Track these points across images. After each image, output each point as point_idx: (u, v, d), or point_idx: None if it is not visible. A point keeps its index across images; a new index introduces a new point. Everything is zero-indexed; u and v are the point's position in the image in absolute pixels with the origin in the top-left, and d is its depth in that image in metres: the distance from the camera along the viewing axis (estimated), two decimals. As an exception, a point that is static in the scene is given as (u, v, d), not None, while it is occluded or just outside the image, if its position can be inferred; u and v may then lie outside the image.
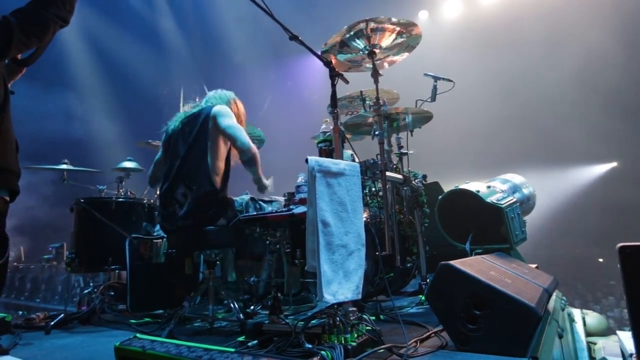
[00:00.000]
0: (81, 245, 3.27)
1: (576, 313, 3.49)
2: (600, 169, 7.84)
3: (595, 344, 3.38)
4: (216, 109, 2.56)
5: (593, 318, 3.98)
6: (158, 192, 3.35)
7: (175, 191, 2.48)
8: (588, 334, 3.57)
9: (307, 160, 1.66)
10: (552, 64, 7.27)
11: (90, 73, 8.31)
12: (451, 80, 3.06)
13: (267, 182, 2.62)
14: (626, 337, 2.22)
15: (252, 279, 2.83)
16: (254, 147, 2.52)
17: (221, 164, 2.53)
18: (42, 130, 6.72)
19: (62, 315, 2.84)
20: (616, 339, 3.03)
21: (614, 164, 7.81)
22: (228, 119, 2.53)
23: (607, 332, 3.86)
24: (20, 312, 5.01)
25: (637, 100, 6.72)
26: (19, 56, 1.68)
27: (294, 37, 2.00)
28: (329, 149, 2.62)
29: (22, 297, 5.83)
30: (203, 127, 2.51)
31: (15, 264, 6.43)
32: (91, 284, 3.53)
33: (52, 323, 2.69)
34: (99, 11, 8.00)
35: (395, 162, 3.04)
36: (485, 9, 7.97)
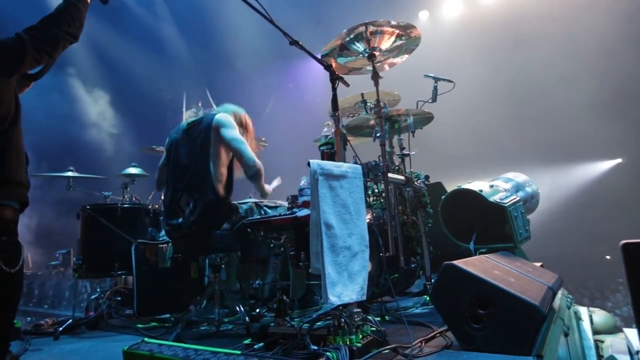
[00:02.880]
0: (88, 251, 3.30)
1: (583, 311, 3.48)
2: (605, 166, 7.80)
3: (602, 341, 3.36)
4: (219, 117, 2.56)
5: (600, 316, 3.95)
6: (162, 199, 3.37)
7: (179, 200, 2.50)
8: (595, 331, 3.55)
9: (309, 164, 1.68)
10: (554, 61, 7.24)
11: (93, 80, 8.39)
12: (451, 81, 3.07)
13: (268, 187, 2.65)
14: (633, 335, 2.21)
15: (258, 282, 2.84)
16: (258, 162, 2.51)
17: (224, 172, 2.53)
18: (47, 137, 6.78)
19: (70, 320, 2.87)
20: (624, 337, 3.01)
21: (619, 160, 7.77)
22: (231, 131, 2.51)
23: (614, 329, 3.83)
24: (29, 319, 5.06)
25: (641, 95, 6.69)
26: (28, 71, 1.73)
27: (294, 42, 2.02)
28: (330, 151, 2.63)
29: (30, 303, 5.89)
30: (205, 135, 2.51)
31: (23, 270, 6.48)
32: (98, 290, 3.57)
33: (61, 329, 2.72)
34: (101, 19, 8.07)
35: (397, 164, 3.05)
36: (485, 8, 7.95)
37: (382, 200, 2.92)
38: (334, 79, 2.05)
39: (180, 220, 2.47)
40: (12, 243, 1.52)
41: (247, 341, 1.99)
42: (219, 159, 2.51)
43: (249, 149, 2.51)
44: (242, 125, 2.71)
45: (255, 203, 2.72)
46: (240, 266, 2.98)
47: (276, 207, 2.80)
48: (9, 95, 1.52)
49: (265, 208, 2.72)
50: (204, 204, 2.41)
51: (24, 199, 1.56)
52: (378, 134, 2.72)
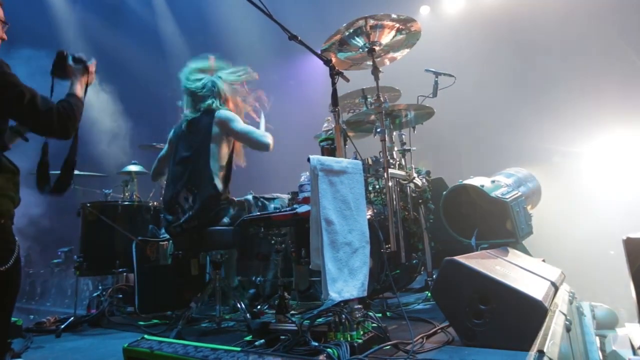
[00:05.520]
0: (89, 249, 3.30)
1: (585, 306, 3.46)
2: (608, 160, 7.74)
3: (605, 336, 3.35)
4: (222, 113, 2.58)
5: (603, 311, 3.95)
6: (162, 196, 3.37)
7: (179, 195, 2.49)
8: (598, 326, 3.54)
9: (309, 159, 1.67)
10: (558, 55, 7.18)
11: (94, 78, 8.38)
12: (452, 76, 3.05)
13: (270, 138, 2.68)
14: (635, 329, 2.20)
15: (259, 278, 2.84)
16: (269, 139, 2.60)
17: (224, 167, 2.55)
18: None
19: (72, 318, 2.88)
20: (626, 332, 3.00)
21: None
22: (239, 123, 2.60)
23: (617, 324, 3.83)
24: (31, 316, 5.08)
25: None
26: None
27: (293, 37, 2.00)
28: (331, 147, 2.62)
29: (32, 301, 5.92)
30: (207, 131, 2.52)
31: (26, 268, 6.52)
32: (100, 287, 3.57)
33: (62, 326, 2.72)
34: (101, 16, 8.04)
35: (398, 159, 3.03)
36: (487, 1, 7.89)
37: (383, 196, 2.91)
38: (334, 74, 2.03)
39: (179, 215, 2.47)
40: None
41: (248, 338, 1.99)
42: (220, 154, 2.53)
43: (258, 134, 2.60)
44: (226, 94, 2.74)
45: (253, 196, 2.72)
46: (239, 262, 2.98)
47: (273, 198, 2.80)
48: None
49: (262, 200, 2.73)
50: (203, 198, 2.42)
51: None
52: (379, 130, 2.70)
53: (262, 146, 2.57)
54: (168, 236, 3.23)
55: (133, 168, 4.14)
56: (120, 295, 3.22)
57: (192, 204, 2.44)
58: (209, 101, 2.66)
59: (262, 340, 1.83)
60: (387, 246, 2.41)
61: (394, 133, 3.13)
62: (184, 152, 2.58)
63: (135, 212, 3.48)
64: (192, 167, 2.51)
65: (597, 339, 3.11)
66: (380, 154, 2.66)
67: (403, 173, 2.79)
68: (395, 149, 3.08)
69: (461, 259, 1.65)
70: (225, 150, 2.56)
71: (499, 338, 1.48)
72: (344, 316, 1.59)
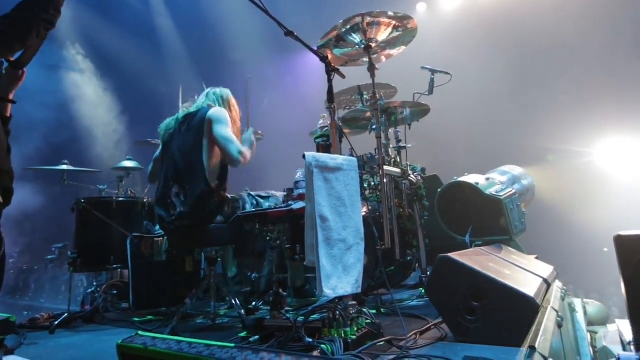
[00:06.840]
0: (83, 245, 3.29)
1: (577, 303, 3.50)
2: (602, 156, 7.80)
3: (596, 333, 3.39)
4: (213, 112, 2.54)
5: (594, 307, 3.99)
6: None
7: (170, 191, 2.48)
8: (589, 323, 3.58)
9: (304, 156, 1.67)
10: (555, 53, 7.21)
11: (88, 73, 8.31)
12: (448, 73, 3.06)
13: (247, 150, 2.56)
14: (625, 326, 2.23)
15: (254, 275, 2.85)
16: (244, 155, 2.47)
17: (217, 164, 2.51)
18: (41, 131, 6.73)
19: (66, 314, 2.86)
20: (617, 328, 3.04)
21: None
22: (222, 128, 2.49)
23: (608, 320, 3.88)
24: (25, 312, 5.05)
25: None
26: (11, 58, 1.70)
27: (289, 33, 1.99)
28: (326, 144, 2.62)
29: (26, 297, 5.89)
30: (199, 127, 2.49)
31: (19, 264, 6.48)
32: (94, 283, 3.56)
33: (56, 322, 2.71)
34: (95, 10, 7.96)
35: (393, 156, 3.04)
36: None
37: (378, 193, 2.92)
38: (330, 70, 2.03)
39: (172, 212, 2.46)
40: None
41: (242, 334, 1.99)
42: (213, 151, 2.50)
43: (234, 147, 2.46)
44: (229, 107, 2.71)
45: (248, 193, 2.71)
46: (236, 258, 2.98)
47: (268, 197, 2.79)
48: None
49: (257, 198, 2.71)
50: (195, 195, 2.39)
51: (7, 184, 1.49)
52: (374, 127, 2.71)
53: (232, 160, 2.46)
54: (163, 232, 3.23)
55: (128, 164, 4.12)
56: (115, 292, 3.21)
57: (185, 201, 2.42)
58: (210, 98, 2.64)
59: (257, 337, 1.84)
60: (381, 243, 2.42)
61: (390, 130, 3.14)
62: (177, 148, 2.56)
63: (130, 208, 3.47)
64: (185, 163, 2.48)
65: (589, 335, 3.15)
66: (376, 151, 2.66)
67: (398, 170, 2.80)
68: (391, 146, 3.09)
69: (455, 256, 1.67)
70: (218, 148, 2.54)
71: (492, 334, 1.50)
72: (338, 312, 1.60)
